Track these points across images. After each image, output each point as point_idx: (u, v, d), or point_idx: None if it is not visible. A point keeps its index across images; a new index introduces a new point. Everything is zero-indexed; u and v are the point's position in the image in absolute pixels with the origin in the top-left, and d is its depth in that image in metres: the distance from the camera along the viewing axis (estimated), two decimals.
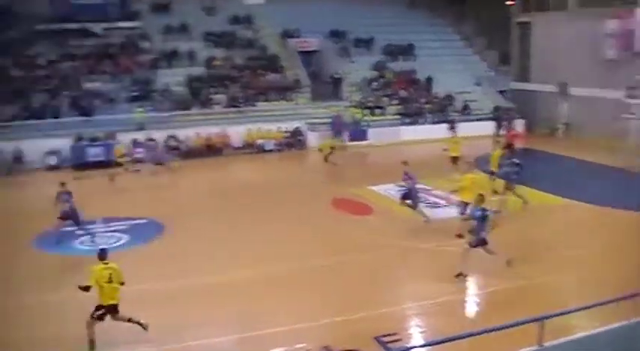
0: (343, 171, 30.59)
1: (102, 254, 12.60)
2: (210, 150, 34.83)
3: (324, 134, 35.09)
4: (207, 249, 18.52)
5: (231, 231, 20.49)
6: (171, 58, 40.37)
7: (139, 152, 31.81)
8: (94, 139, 33.15)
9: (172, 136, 34.53)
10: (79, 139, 33.12)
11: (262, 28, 44.17)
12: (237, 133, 35.75)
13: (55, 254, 18.77)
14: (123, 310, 12.72)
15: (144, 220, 21.79)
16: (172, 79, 38.53)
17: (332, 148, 30.61)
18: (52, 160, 32.40)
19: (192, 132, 35.03)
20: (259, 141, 35.72)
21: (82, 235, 19.98)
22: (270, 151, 35.42)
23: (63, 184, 19.63)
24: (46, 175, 30.66)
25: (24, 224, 21.44)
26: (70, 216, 19.25)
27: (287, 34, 43.70)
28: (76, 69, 38.17)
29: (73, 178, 28.02)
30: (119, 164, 30.37)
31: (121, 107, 35.93)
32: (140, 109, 35.12)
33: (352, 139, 36.38)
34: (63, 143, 32.60)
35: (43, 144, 32.41)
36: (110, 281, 12.26)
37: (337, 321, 13.39)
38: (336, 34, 44.76)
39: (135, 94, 37.12)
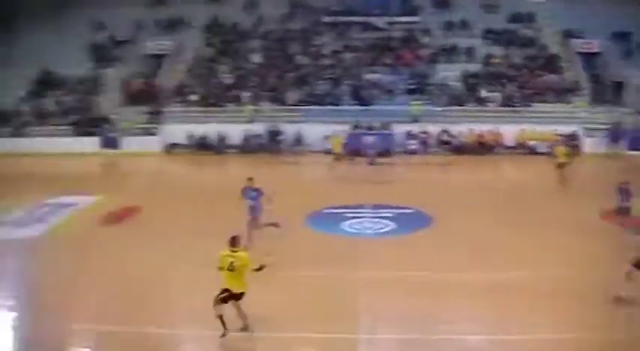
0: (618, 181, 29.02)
1: (231, 241, 12.54)
2: (482, 147, 34.97)
3: (600, 141, 33.96)
4: (472, 246, 18.50)
5: (497, 230, 20.28)
6: (449, 53, 40.99)
7: (413, 144, 32.68)
8: (370, 128, 34.67)
9: (445, 131, 35.19)
10: (356, 127, 34.82)
11: (543, 27, 43.12)
12: (509, 132, 35.50)
13: (321, 233, 20.03)
14: (387, 291, 13.62)
15: (411, 210, 22.53)
16: (449, 74, 39.12)
17: (568, 155, 27.57)
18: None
19: (464, 128, 35.39)
20: (531, 142, 35.20)
21: (351, 218, 21.25)
22: (543, 153, 34.55)
23: (250, 179, 18.30)
24: (321, 157, 32.57)
25: (299, 201, 22.87)
26: (252, 214, 17.90)
27: (568, 34, 42.13)
28: (357, 60, 40.27)
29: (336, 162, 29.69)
30: (335, 155, 30.89)
31: (398, 99, 37.32)
32: (417, 102, 36.12)
33: (633, 148, 34.55)
34: (340, 130, 34.28)
35: (322, 129, 34.61)
36: (231, 269, 12.25)
37: (575, 337, 12.87)
38: (620, 36, 42.38)
39: (412, 87, 38.27)
